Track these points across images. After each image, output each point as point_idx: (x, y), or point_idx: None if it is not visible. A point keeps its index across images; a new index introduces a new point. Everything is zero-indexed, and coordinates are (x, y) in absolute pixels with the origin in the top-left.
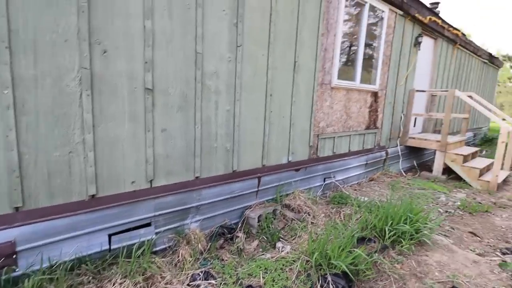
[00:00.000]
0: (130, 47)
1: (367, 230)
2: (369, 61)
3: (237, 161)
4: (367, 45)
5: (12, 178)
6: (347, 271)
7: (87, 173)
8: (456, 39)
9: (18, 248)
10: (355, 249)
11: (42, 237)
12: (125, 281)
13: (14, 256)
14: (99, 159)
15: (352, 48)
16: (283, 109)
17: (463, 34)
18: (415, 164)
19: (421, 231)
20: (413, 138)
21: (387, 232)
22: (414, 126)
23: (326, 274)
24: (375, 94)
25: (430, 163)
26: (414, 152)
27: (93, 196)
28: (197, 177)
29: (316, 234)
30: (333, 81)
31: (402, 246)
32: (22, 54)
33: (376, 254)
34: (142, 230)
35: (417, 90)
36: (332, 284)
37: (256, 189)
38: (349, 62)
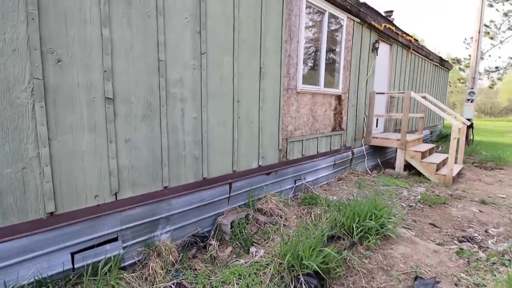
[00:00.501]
0: (87, 56)
1: (336, 228)
2: (332, 65)
3: (207, 168)
4: (330, 50)
5: None
6: (318, 270)
7: (44, 189)
8: (409, 45)
9: None
10: (325, 248)
11: None
12: None
13: None
14: (57, 173)
15: (317, 53)
16: (251, 114)
17: (416, 40)
18: (379, 162)
19: (385, 226)
20: (376, 137)
21: (355, 229)
22: (377, 126)
23: (299, 274)
24: (339, 97)
25: (393, 160)
26: (378, 151)
27: (51, 213)
28: (165, 187)
29: (288, 236)
30: (299, 86)
31: (369, 242)
32: None
33: (346, 251)
34: (108, 246)
35: (377, 93)
36: (305, 284)
37: (228, 195)
38: (315, 66)
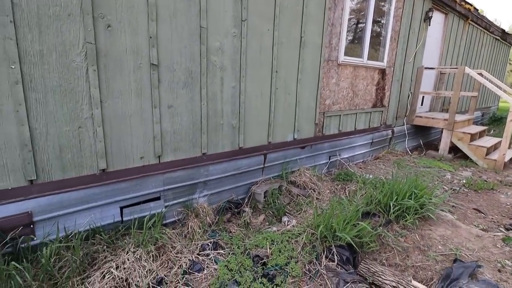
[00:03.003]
0: (134, 21)
1: (372, 205)
2: (376, 38)
3: (243, 138)
4: (375, 21)
5: (25, 152)
6: (352, 243)
7: (97, 147)
8: (468, 14)
9: (35, 219)
10: (360, 222)
11: (57, 209)
12: (138, 250)
13: (31, 226)
14: (108, 134)
15: (359, 25)
16: (289, 86)
17: (476, 9)
18: (421, 143)
19: (425, 206)
20: (420, 116)
21: (391, 207)
22: (422, 104)
23: (331, 245)
24: (382, 71)
25: (437, 142)
26: (421, 131)
27: (103, 170)
28: (204, 153)
29: (321, 209)
30: (340, 58)
31: (406, 221)
32: (27, 28)
33: (380, 228)
34: (152, 204)
35: (426, 68)
36: (336, 255)
37: (262, 166)
38: (356, 39)
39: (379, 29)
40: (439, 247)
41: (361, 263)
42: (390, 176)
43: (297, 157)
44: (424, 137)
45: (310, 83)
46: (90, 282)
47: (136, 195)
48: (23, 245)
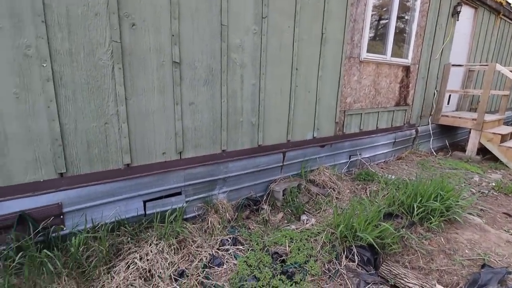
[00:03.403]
0: (157, 20)
1: (394, 206)
2: (400, 34)
3: (262, 136)
4: (399, 17)
5: (55, 147)
6: (374, 243)
7: (122, 143)
8: (499, 8)
9: (65, 210)
10: (382, 223)
11: (85, 201)
12: (160, 242)
13: (61, 217)
14: (132, 130)
15: (381, 21)
16: (309, 83)
17: (508, 3)
18: (447, 144)
19: (452, 209)
20: (447, 116)
21: (415, 209)
22: (448, 103)
23: (351, 246)
24: (407, 69)
25: (464, 143)
26: (446, 131)
27: (128, 165)
28: (223, 150)
29: (341, 208)
30: (362, 55)
31: (431, 223)
32: (57, 28)
33: (403, 230)
34: (173, 198)
35: (453, 65)
36: (357, 256)
37: (281, 164)
38: (378, 36)
39: (403, 25)
40: (466, 251)
41: (383, 265)
42: (414, 177)
43: (316, 156)
44: (450, 138)
45: (331, 81)
46: (115, 272)
47: (158, 189)
48: (53, 235)
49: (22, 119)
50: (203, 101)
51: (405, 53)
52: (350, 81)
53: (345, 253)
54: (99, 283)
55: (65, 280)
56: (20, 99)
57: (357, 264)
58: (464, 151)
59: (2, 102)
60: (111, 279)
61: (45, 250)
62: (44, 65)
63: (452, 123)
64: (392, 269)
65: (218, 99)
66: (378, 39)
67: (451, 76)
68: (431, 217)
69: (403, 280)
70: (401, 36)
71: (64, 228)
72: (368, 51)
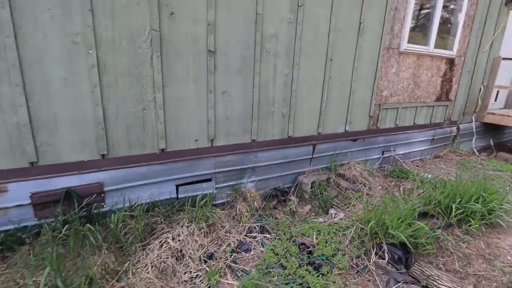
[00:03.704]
0: (194, 8)
1: (430, 206)
2: (443, 24)
3: (292, 127)
4: (443, 6)
5: (99, 129)
6: (406, 242)
7: (158, 129)
8: None
9: (105, 189)
10: (416, 222)
11: (123, 181)
12: (191, 225)
13: (102, 195)
14: (168, 116)
15: (422, 11)
16: (343, 75)
17: None
18: (491, 144)
19: (494, 212)
20: (493, 113)
21: (453, 210)
22: (495, 100)
23: (382, 243)
24: (451, 61)
25: (510, 143)
26: (491, 129)
27: (163, 150)
28: (253, 140)
29: (372, 204)
30: (403, 45)
31: (470, 226)
32: (102, 17)
33: (439, 231)
34: (204, 184)
35: (504, 58)
36: (387, 253)
37: (311, 156)
38: (418, 27)
39: (447, 15)
40: (508, 257)
41: (414, 265)
42: (452, 177)
43: (347, 150)
44: (496, 137)
45: (366, 73)
46: (150, 249)
47: (190, 175)
48: (95, 211)
49: (70, 102)
50: (236, 90)
51: (450, 44)
52: (388, 73)
53: (374, 249)
54: (135, 258)
55: (104, 253)
56: (68, 84)
57: (387, 261)
58: (511, 152)
59: (54, 86)
60: (146, 256)
61: (88, 225)
62: (90, 52)
63: (499, 122)
64: (424, 270)
65: (250, 88)
66: (418, 30)
67: (500, 70)
68: (471, 219)
69: (436, 282)
70: (444, 27)
71: (104, 206)
72: (408, 42)
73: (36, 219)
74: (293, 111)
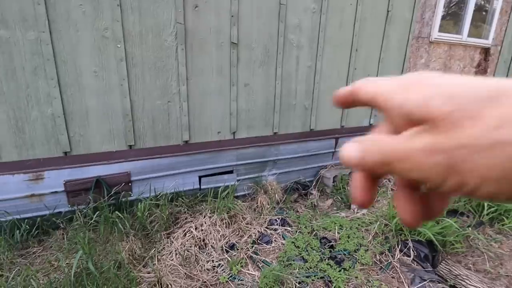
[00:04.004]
0: (218, 0)
1: (460, 202)
2: (477, 12)
3: (315, 120)
4: None
5: (126, 121)
6: (434, 239)
7: (182, 121)
8: None
9: (132, 178)
10: (444, 219)
11: (149, 172)
12: (213, 215)
13: (129, 184)
14: (191, 109)
15: None
16: (369, 66)
17: None
18: None
19: None
20: None
21: (485, 208)
22: None
23: (407, 240)
24: (485, 51)
25: None
26: None
27: (186, 142)
28: (275, 133)
29: None
30: (433, 34)
31: (503, 225)
32: (130, 11)
33: (469, 229)
34: (225, 176)
35: None
36: (413, 250)
37: (333, 150)
38: (448, 15)
39: (482, 1)
40: None
41: (442, 263)
42: None
43: None
44: None
45: (393, 64)
46: (174, 237)
47: (212, 166)
48: (123, 199)
49: (100, 95)
50: (258, 82)
51: (485, 33)
52: (416, 64)
53: (399, 246)
54: (160, 245)
55: (132, 240)
56: (98, 77)
57: (413, 259)
58: None
59: (85, 79)
60: (170, 244)
61: (116, 212)
62: (119, 46)
63: None
64: (452, 269)
65: (272, 81)
66: (448, 18)
67: None
68: (504, 218)
69: (464, 281)
70: (478, 15)
71: (132, 195)
72: (439, 30)
73: (69, 206)
74: (316, 104)
